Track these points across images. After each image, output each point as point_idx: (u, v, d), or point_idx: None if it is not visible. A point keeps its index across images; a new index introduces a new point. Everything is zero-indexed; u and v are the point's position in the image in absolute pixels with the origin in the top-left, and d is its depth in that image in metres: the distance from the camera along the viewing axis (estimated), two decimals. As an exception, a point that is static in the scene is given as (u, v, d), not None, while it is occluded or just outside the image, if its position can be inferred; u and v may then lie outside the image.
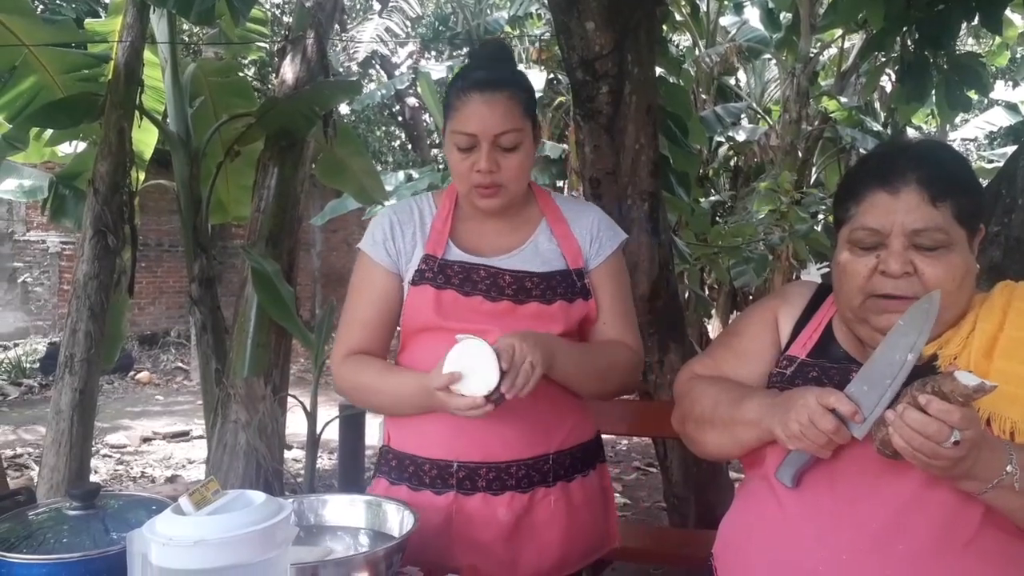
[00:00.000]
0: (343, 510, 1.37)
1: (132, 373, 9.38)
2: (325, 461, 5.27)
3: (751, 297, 8.72)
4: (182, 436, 6.44)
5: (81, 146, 4.49)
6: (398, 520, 1.31)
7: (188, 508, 0.96)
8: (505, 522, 1.43)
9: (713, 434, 1.28)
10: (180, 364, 10.11)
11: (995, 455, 1.03)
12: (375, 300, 1.52)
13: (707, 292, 8.75)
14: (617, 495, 4.82)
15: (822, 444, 1.08)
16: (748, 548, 1.25)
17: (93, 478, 4.08)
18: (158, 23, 3.72)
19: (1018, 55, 10.81)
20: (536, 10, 11.18)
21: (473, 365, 1.28)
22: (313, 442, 3.21)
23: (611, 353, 1.50)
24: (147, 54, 3.64)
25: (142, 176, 4.01)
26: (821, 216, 5.75)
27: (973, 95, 3.94)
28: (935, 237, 1.14)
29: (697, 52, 8.50)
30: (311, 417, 3.20)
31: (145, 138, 4.09)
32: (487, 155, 1.41)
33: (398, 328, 1.55)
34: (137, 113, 3.44)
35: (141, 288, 10.24)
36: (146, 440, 6.29)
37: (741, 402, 1.23)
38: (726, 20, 9.18)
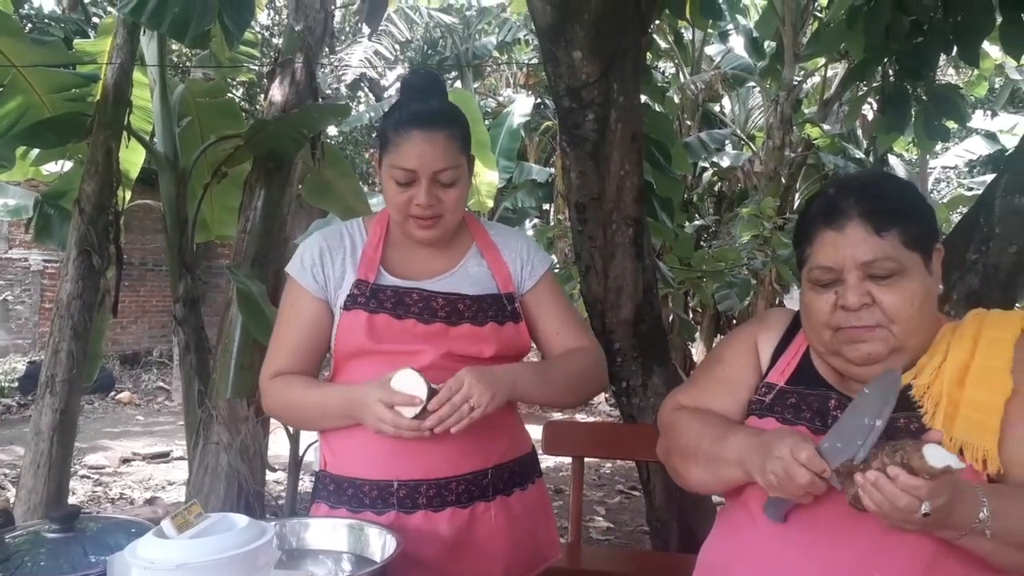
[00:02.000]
0: (325, 534, 1.37)
1: (113, 393, 9.29)
2: (307, 484, 5.23)
3: (735, 321, 8.77)
4: (162, 457, 6.37)
5: (67, 165, 4.47)
6: (380, 544, 1.31)
7: (170, 531, 0.96)
8: (447, 537, 1.44)
9: (697, 470, 1.29)
10: (162, 384, 10.02)
11: (967, 505, 1.04)
12: (302, 325, 1.53)
13: (691, 316, 8.81)
14: (600, 518, 4.81)
15: (799, 494, 1.10)
16: (728, 574, 1.26)
17: (71, 500, 4.02)
18: (148, 44, 3.74)
19: (996, 85, 11.02)
20: (524, 36, 11.31)
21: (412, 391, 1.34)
22: (295, 464, 3.19)
23: (573, 362, 1.55)
24: (136, 74, 3.65)
25: (128, 195, 4.00)
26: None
27: (952, 125, 4.02)
28: (886, 266, 1.17)
29: (682, 79, 8.61)
30: (293, 439, 3.18)
31: (132, 158, 4.09)
32: (427, 191, 1.43)
33: (329, 354, 1.56)
34: (125, 133, 3.44)
35: (124, 307, 10.17)
36: (125, 461, 6.22)
37: (723, 440, 1.24)
38: (711, 49, 9.32)
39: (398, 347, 1.43)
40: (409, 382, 1.33)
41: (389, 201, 1.48)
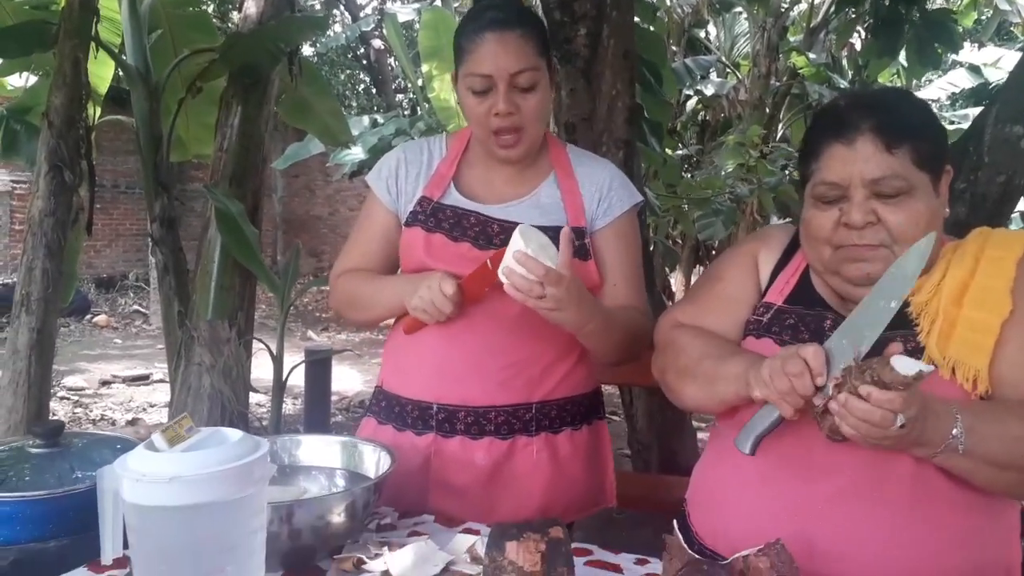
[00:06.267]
0: (318, 450, 1.36)
1: (89, 316, 9.20)
2: (290, 407, 5.24)
3: (713, 251, 8.79)
4: (142, 379, 6.35)
5: (32, 79, 4.31)
6: (374, 460, 1.30)
7: (161, 445, 0.93)
8: (482, 467, 1.43)
9: (693, 387, 1.27)
10: (138, 307, 9.93)
11: (941, 421, 1.03)
12: (373, 234, 1.53)
13: (671, 244, 8.80)
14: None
15: (784, 389, 1.05)
16: (724, 497, 1.26)
17: (50, 421, 4.00)
18: (114, -51, 3.55)
19: (983, 16, 10.88)
20: (507, -47, 10.92)
21: (539, 244, 1.25)
22: (279, 387, 3.18)
23: (631, 320, 1.46)
24: (102, -19, 3.47)
25: (98, 112, 3.85)
26: (788, 171, 5.78)
27: (941, 51, 3.96)
28: (894, 184, 1.13)
29: (668, 2, 8.40)
30: (277, 361, 3.16)
31: (101, 71, 3.92)
32: (505, 96, 1.37)
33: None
34: (93, 44, 3.28)
35: (97, 230, 9.96)
36: (105, 383, 6.19)
37: (727, 358, 1.21)
38: (699, -29, 9.06)
39: (455, 269, 1.38)
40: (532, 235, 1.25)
41: (469, 115, 1.42)
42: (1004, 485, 1.10)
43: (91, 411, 5.38)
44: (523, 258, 1.20)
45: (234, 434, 0.99)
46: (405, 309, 1.39)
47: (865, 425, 0.99)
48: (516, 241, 1.22)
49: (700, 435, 3.65)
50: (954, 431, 1.03)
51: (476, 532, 1.25)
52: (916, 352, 1.13)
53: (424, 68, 7.23)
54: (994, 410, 1.08)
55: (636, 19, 3.34)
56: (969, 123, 2.51)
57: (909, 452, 1.07)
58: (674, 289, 8.92)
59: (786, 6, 8.35)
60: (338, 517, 1.12)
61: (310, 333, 8.79)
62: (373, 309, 1.49)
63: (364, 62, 14.62)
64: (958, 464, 1.07)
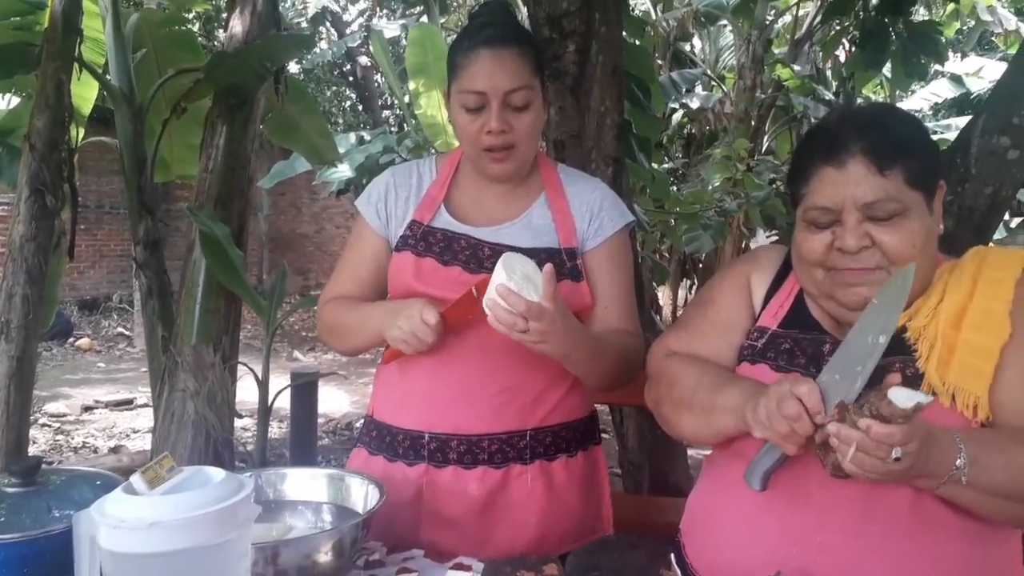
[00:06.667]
0: (304, 484, 1.32)
1: (72, 340, 9.08)
2: (275, 430, 5.17)
3: (700, 265, 8.79)
4: (126, 404, 6.25)
5: (14, 101, 4.26)
6: (363, 494, 1.26)
7: (141, 487, 0.89)
8: (476, 497, 1.39)
9: (690, 419, 1.23)
10: (122, 330, 9.82)
11: (944, 452, 1.00)
12: (362, 258, 1.50)
13: (660, 259, 8.80)
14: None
15: (784, 432, 1.03)
16: (721, 528, 1.23)
17: (31, 449, 3.93)
18: (97, -31, 3.52)
19: (966, 27, 10.99)
20: (493, -31, 10.97)
21: (523, 274, 1.22)
22: (264, 411, 3.13)
23: (622, 346, 1.42)
24: (86, 2, 3.43)
25: (81, 133, 3.81)
26: (775, 184, 5.79)
27: (926, 62, 3.98)
28: (888, 207, 1.11)
29: (654, 16, 8.44)
30: (263, 386, 3.11)
31: (84, 92, 3.88)
32: (498, 114, 1.35)
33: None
34: (76, 65, 3.24)
35: (81, 251, 9.88)
36: (87, 409, 6.09)
37: (723, 388, 1.18)
38: (683, -15, 9.12)
39: (445, 293, 1.35)
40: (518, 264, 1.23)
41: (460, 132, 1.40)
42: (1008, 515, 1.08)
43: (73, 438, 5.29)
44: (505, 292, 1.17)
45: (217, 473, 0.95)
46: (380, 332, 1.36)
47: (868, 460, 0.96)
48: (499, 273, 1.20)
49: (691, 452, 3.61)
50: (958, 462, 1.01)
51: (467, 568, 1.21)
52: (915, 378, 1.11)
53: (411, 85, 7.21)
54: (997, 439, 1.05)
55: (624, 34, 3.33)
56: (952, 132, 2.52)
57: (912, 484, 1.04)
58: (662, 303, 8.91)
59: (771, 18, 8.40)
60: (325, 556, 1.08)
61: (296, 353, 8.72)
62: (357, 339, 1.46)
63: (351, 79, 14.62)
64: (962, 495, 1.04)
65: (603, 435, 1.66)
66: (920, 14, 9.70)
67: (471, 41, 1.37)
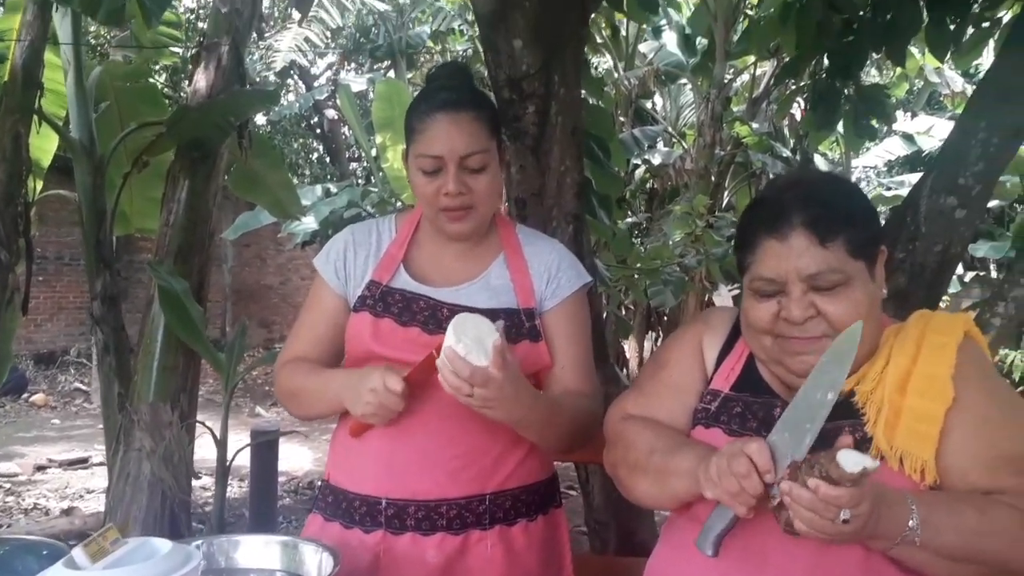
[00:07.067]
0: (257, 552, 1.28)
1: (26, 395, 8.81)
2: (235, 489, 5.04)
3: (665, 318, 8.87)
4: (80, 463, 6.06)
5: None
6: (316, 562, 1.23)
7: (83, 561, 0.86)
8: (434, 565, 1.36)
9: (646, 483, 1.24)
10: (80, 385, 9.56)
11: (895, 513, 1.02)
12: (320, 319, 1.49)
13: (623, 312, 8.87)
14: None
15: (734, 491, 1.04)
16: None
17: (-21, 510, 3.78)
18: (61, 22, 3.52)
19: (915, 87, 11.43)
20: (459, 26, 11.20)
21: (475, 337, 1.21)
22: (223, 472, 3.06)
23: (578, 409, 1.42)
24: (48, 55, 3.43)
25: (40, 185, 3.77)
26: (733, 240, 5.87)
27: (876, 124, 4.11)
28: (830, 278, 1.13)
29: (616, 75, 8.65)
30: (221, 445, 3.04)
31: (44, 145, 3.86)
32: (454, 177, 1.35)
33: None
34: (36, 118, 3.23)
35: (38, 304, 9.67)
36: (40, 468, 5.88)
37: (677, 451, 1.19)
38: (645, 47, 9.38)
39: (403, 355, 1.34)
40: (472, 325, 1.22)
41: (418, 194, 1.40)
42: None
43: (23, 499, 5.10)
44: (452, 356, 1.18)
45: (163, 545, 0.93)
46: (341, 401, 1.35)
47: (816, 520, 0.97)
48: (449, 336, 1.20)
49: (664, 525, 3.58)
50: (911, 523, 1.02)
51: (424, 638, 1.18)
52: (864, 442, 1.13)
53: (377, 139, 7.29)
54: (948, 501, 1.07)
55: (584, 93, 3.41)
56: (905, 189, 2.60)
57: (867, 544, 1.05)
58: (628, 356, 8.94)
59: (729, 77, 8.65)
60: (277, 628, 1.05)
61: (259, 409, 8.55)
62: (315, 407, 1.44)
63: (318, 131, 14.69)
64: (914, 556, 1.05)
65: (570, 492, 1.65)
66: (871, 75, 10.08)
67: (427, 105, 1.39)
